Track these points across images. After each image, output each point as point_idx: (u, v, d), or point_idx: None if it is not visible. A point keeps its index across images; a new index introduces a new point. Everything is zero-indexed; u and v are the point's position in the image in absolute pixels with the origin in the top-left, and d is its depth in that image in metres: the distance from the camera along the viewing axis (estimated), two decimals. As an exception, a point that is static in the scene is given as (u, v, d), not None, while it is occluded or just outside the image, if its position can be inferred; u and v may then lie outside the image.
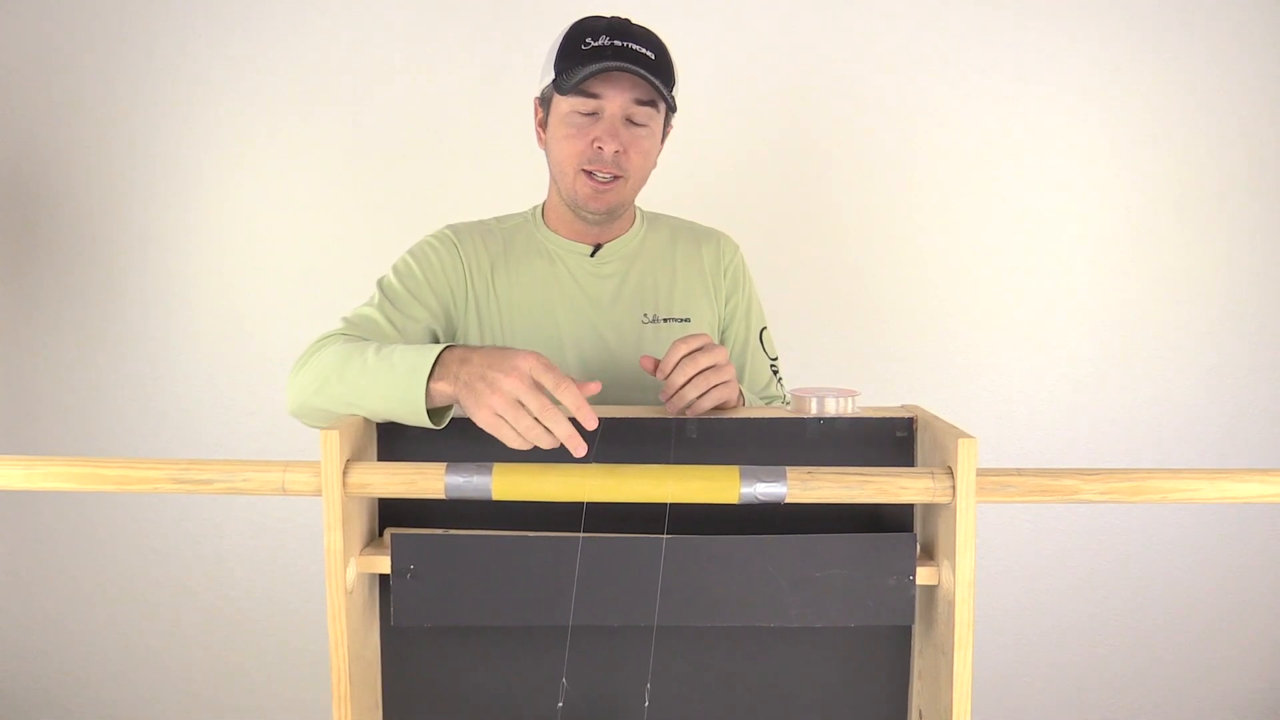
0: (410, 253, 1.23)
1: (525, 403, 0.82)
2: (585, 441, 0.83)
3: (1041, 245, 2.06)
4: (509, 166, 2.01)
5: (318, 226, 2.06)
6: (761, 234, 2.00)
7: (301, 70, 2.02)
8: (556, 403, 0.84)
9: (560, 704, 0.92)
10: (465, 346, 0.90)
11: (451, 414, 0.92)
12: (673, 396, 0.95)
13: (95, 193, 2.06)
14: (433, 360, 0.88)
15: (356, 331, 1.11)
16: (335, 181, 2.05)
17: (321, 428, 0.86)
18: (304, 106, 2.03)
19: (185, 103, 2.03)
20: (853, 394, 0.96)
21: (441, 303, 1.20)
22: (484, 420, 0.83)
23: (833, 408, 0.95)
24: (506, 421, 0.82)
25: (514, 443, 0.83)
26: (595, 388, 0.86)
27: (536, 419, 0.82)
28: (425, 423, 0.89)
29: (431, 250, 1.22)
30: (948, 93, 2.02)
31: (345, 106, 2.02)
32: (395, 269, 1.22)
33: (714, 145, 2.00)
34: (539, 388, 0.83)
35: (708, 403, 0.95)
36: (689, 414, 0.96)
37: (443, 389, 0.87)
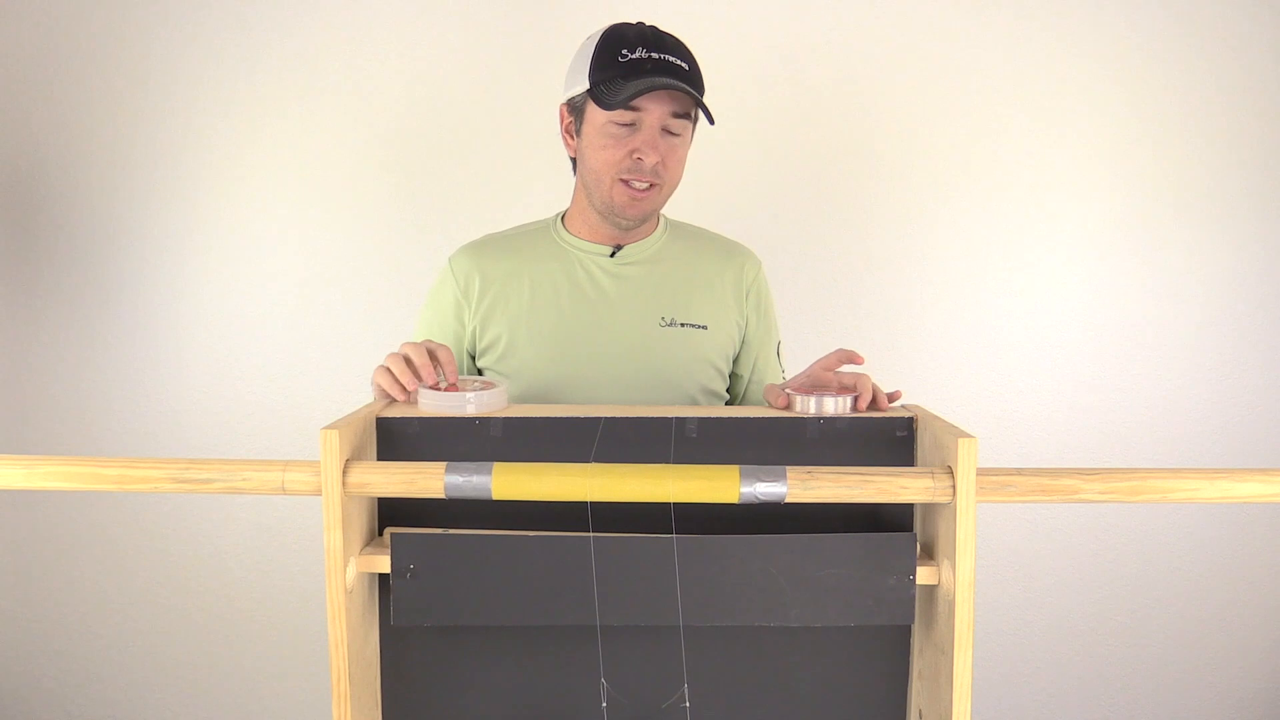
0: (425, 303, 1.34)
1: (410, 356, 1.00)
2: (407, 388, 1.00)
3: (1042, 245, 2.06)
4: (515, 172, 2.02)
5: (318, 227, 2.06)
6: (763, 233, 2.00)
7: (306, 70, 2.01)
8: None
9: (604, 704, 0.92)
10: None
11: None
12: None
13: (96, 192, 2.05)
14: None
15: None
16: (336, 182, 2.05)
17: None
18: (306, 107, 2.02)
19: (186, 102, 2.03)
20: (850, 391, 0.96)
21: (457, 337, 1.29)
22: (376, 377, 1.02)
23: (831, 408, 0.95)
24: (391, 372, 1.00)
25: (394, 389, 1.00)
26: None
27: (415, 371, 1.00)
28: None
29: (435, 296, 1.32)
30: (948, 95, 2.02)
31: (348, 108, 2.02)
32: (417, 325, 1.34)
33: (714, 145, 2.00)
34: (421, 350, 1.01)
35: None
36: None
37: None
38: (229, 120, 2.03)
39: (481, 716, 0.97)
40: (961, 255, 2.06)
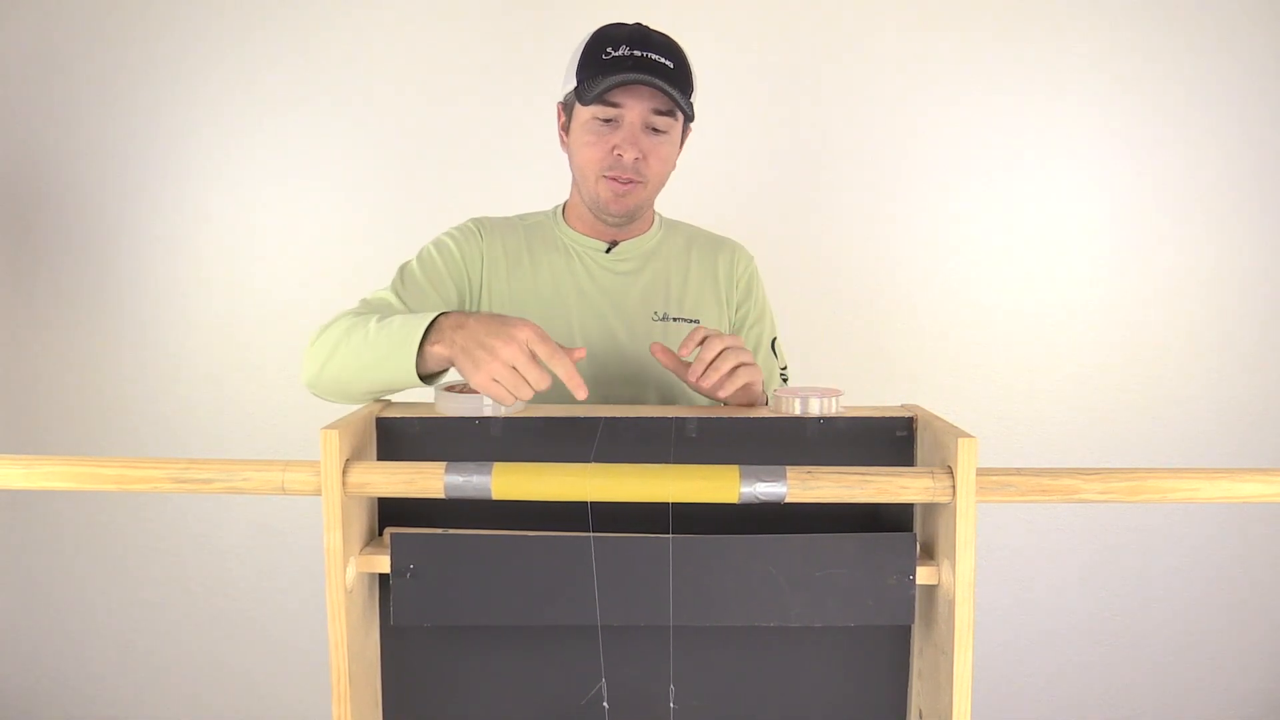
0: (434, 242, 1.28)
1: (521, 372, 0.88)
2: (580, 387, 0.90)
3: (1043, 245, 2.06)
4: (515, 170, 2.02)
5: (318, 227, 2.06)
6: (763, 232, 2.00)
7: (306, 70, 2.02)
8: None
9: (605, 704, 0.92)
10: (461, 313, 0.95)
11: (445, 377, 0.99)
12: (706, 371, 0.98)
13: (95, 192, 2.06)
14: (427, 324, 0.94)
15: (370, 310, 1.14)
16: (336, 182, 2.05)
17: (334, 401, 0.93)
18: (305, 107, 2.03)
19: (185, 102, 2.03)
20: (836, 393, 0.96)
21: (459, 292, 1.25)
22: (480, 384, 0.89)
23: (816, 408, 0.94)
24: (503, 385, 0.88)
25: (507, 400, 0.90)
26: (581, 353, 0.93)
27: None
28: (415, 382, 0.96)
29: (454, 241, 1.27)
30: (949, 94, 2.02)
31: (347, 107, 2.02)
32: (419, 256, 1.26)
33: (717, 144, 2.00)
34: (534, 357, 0.88)
35: (739, 379, 0.99)
36: (722, 390, 0.99)
37: (438, 352, 0.94)
38: (229, 120, 2.03)
39: (481, 716, 0.96)
40: (962, 255, 2.06)
